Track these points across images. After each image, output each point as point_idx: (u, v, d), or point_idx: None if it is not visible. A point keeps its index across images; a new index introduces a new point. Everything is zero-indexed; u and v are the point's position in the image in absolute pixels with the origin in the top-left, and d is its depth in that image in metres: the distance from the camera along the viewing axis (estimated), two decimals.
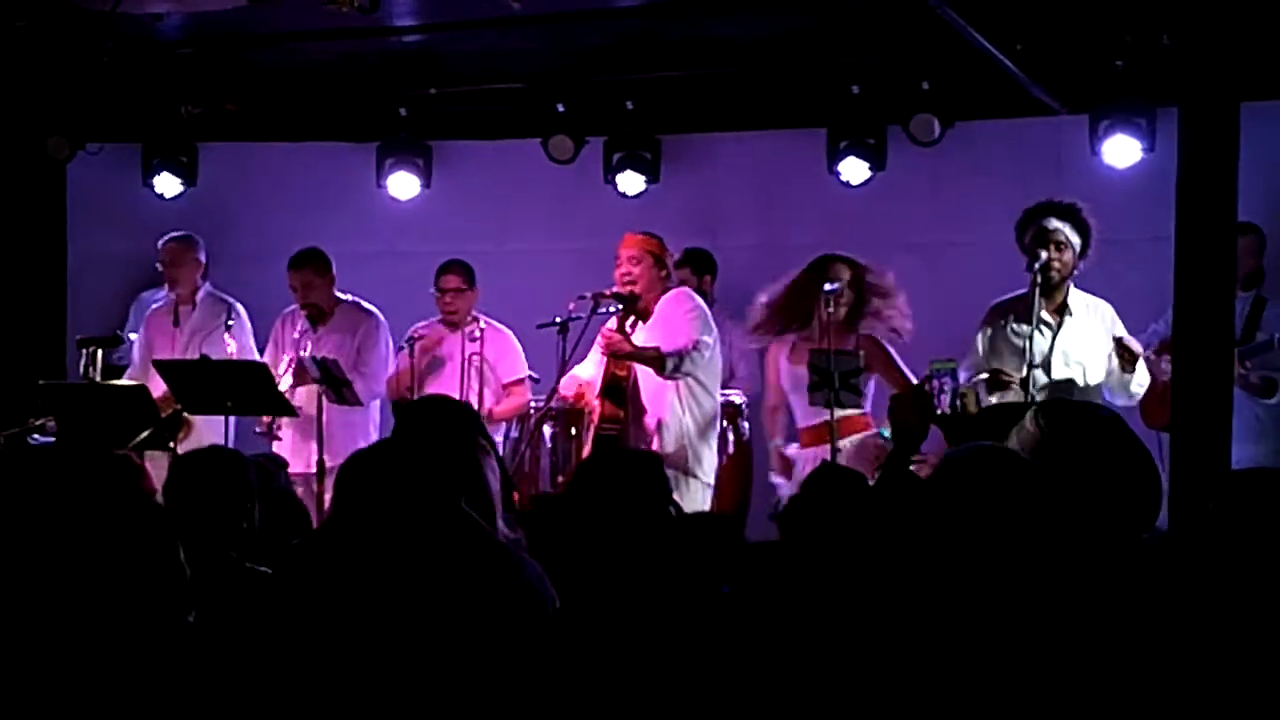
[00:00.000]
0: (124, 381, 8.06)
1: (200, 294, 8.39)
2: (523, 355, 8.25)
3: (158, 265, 8.60)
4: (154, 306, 8.58)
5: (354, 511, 4.06)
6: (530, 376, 8.28)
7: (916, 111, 8.66)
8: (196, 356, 7.90)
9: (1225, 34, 5.88)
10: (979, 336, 7.15)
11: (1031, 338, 6.85)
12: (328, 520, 4.42)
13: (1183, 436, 5.78)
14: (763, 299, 7.40)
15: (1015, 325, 7.04)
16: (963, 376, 6.93)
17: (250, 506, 4.27)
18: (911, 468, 4.30)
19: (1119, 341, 6.92)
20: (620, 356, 7.22)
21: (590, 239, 8.84)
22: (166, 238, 8.53)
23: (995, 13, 7.57)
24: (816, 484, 4.43)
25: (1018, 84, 8.25)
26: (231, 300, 8.43)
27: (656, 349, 7.15)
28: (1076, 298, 7.06)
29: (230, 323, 8.17)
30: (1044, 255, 6.88)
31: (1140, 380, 6.97)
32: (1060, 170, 8.65)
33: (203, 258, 8.43)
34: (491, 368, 8.15)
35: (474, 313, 8.28)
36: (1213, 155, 5.79)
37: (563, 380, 7.36)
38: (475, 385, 7.95)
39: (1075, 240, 6.95)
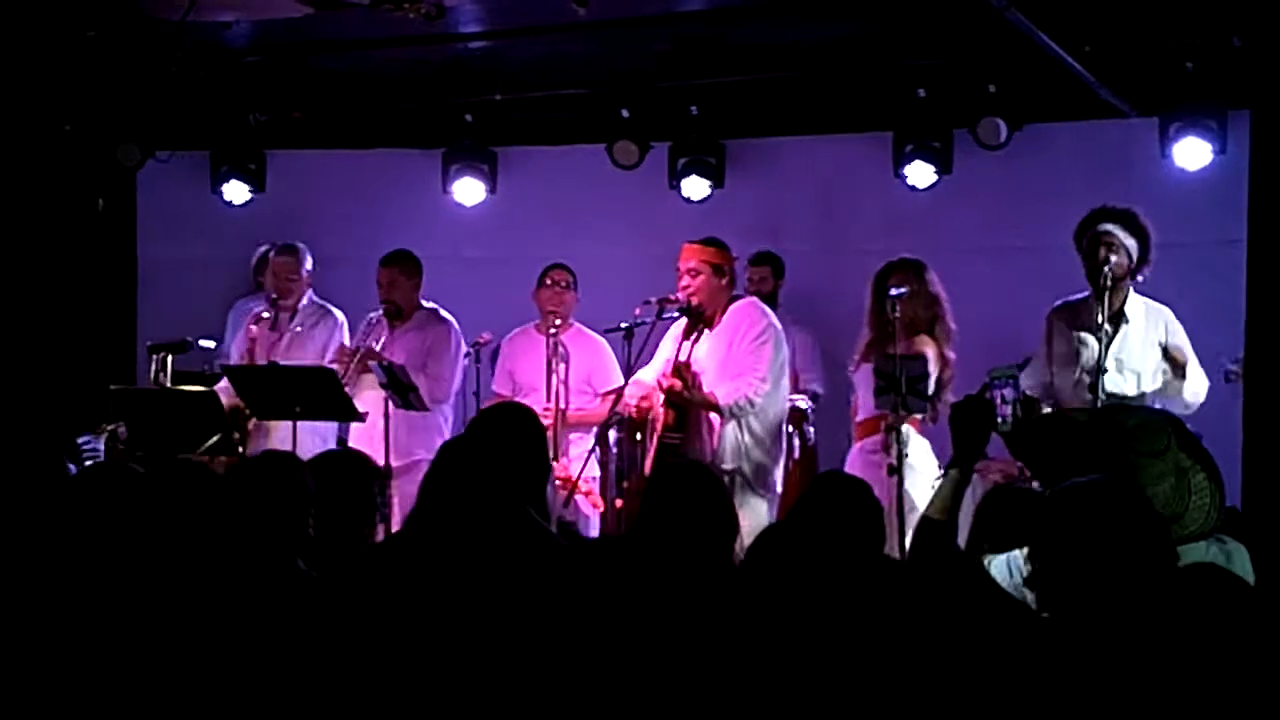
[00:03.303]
0: (194, 388, 8.11)
1: (303, 303, 8.43)
2: (615, 363, 8.15)
3: (263, 276, 8.65)
4: (263, 321, 8.62)
5: (426, 512, 4.10)
6: None
7: (983, 114, 8.60)
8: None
9: None
10: (1043, 345, 7.08)
11: (1086, 343, 6.77)
12: (406, 520, 4.44)
13: (1256, 440, 5.72)
14: (860, 343, 7.44)
15: (1073, 332, 6.97)
16: (1024, 383, 6.86)
17: (310, 511, 4.26)
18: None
19: (1165, 350, 6.84)
20: (679, 403, 7.15)
21: (655, 244, 8.83)
22: (274, 251, 8.53)
23: (1063, 14, 7.50)
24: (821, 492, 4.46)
25: (1086, 86, 8.18)
26: (331, 308, 8.45)
27: (714, 401, 7.06)
28: (1135, 304, 6.96)
29: (312, 330, 8.24)
30: (1100, 256, 6.82)
31: (1194, 389, 6.84)
32: (1130, 173, 8.56)
33: (309, 267, 8.46)
34: (583, 373, 8.09)
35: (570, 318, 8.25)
36: None
37: (629, 385, 7.32)
38: (558, 387, 7.91)
39: (1129, 243, 6.87)
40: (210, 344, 8.80)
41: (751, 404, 7.06)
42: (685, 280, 7.25)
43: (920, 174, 8.95)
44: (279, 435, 7.74)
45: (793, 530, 3.96)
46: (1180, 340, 6.91)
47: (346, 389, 7.68)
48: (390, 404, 7.82)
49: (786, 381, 7.38)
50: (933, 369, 7.27)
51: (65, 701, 3.85)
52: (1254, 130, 5.89)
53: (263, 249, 9.05)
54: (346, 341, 8.26)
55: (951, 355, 7.34)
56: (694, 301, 7.23)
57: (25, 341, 9.33)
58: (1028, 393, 6.78)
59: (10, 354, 9.25)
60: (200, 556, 4.10)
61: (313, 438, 7.71)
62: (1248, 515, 5.50)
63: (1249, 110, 6.86)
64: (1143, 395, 6.88)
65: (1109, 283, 6.83)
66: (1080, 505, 3.39)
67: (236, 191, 9.81)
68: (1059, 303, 7.12)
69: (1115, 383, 6.87)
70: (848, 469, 7.49)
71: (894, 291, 7.20)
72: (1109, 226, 6.86)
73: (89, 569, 4.06)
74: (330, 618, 3.86)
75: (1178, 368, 6.84)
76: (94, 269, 9.88)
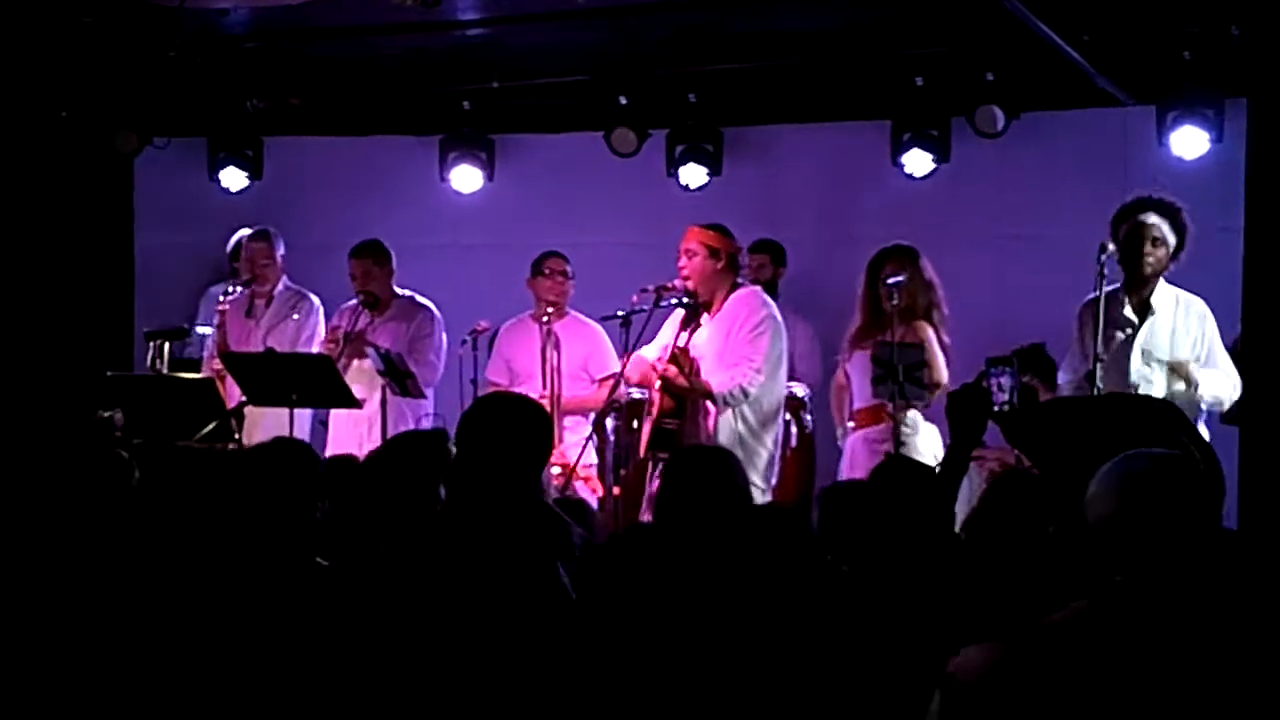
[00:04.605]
0: (191, 374, 8.11)
1: (279, 288, 8.45)
2: (612, 349, 8.13)
3: (239, 262, 8.66)
4: (230, 299, 8.63)
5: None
6: None
7: (981, 103, 8.61)
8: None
9: None
10: (1075, 339, 7.02)
11: (1098, 334, 6.75)
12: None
13: (1253, 431, 5.72)
14: (851, 328, 7.44)
15: (1104, 327, 6.92)
16: (1062, 379, 6.87)
17: (320, 500, 4.25)
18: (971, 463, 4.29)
19: (1173, 369, 6.81)
20: (674, 390, 7.15)
21: (652, 232, 8.84)
22: (248, 237, 8.56)
23: (1061, 3, 7.51)
24: (883, 477, 4.43)
25: (1084, 75, 8.19)
26: (307, 293, 8.47)
27: (709, 389, 7.08)
28: (1163, 295, 6.88)
29: (296, 316, 8.23)
30: (1145, 249, 6.77)
31: (1215, 392, 6.75)
32: (1127, 162, 8.58)
33: (282, 251, 8.48)
34: (579, 359, 8.09)
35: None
36: None
37: (630, 362, 7.31)
38: (551, 375, 7.91)
39: (1172, 239, 6.82)
40: (207, 330, 8.80)
41: (745, 393, 7.07)
42: (682, 261, 7.27)
43: (918, 162, 8.96)
44: (265, 423, 7.72)
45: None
46: (1210, 333, 6.82)
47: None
48: (388, 391, 7.83)
49: (785, 371, 7.38)
50: (937, 353, 7.30)
51: (80, 689, 3.85)
52: (1251, 119, 5.88)
53: (238, 236, 9.01)
54: (322, 326, 8.28)
55: (946, 340, 7.36)
56: (689, 285, 7.23)
57: (21, 328, 9.33)
58: (1066, 386, 6.79)
59: (6, 341, 9.25)
60: (211, 544, 4.10)
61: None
62: (1244, 507, 5.50)
63: (1246, 99, 6.86)
64: (1171, 389, 6.80)
65: (1149, 274, 6.77)
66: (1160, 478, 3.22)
67: (234, 178, 9.79)
68: (1089, 297, 7.04)
69: (1143, 374, 6.79)
70: (847, 456, 7.52)
71: (891, 281, 7.20)
72: (1155, 220, 6.80)
73: (102, 558, 4.06)
74: (345, 608, 3.87)
75: (1188, 381, 6.76)
76: (91, 256, 9.87)
